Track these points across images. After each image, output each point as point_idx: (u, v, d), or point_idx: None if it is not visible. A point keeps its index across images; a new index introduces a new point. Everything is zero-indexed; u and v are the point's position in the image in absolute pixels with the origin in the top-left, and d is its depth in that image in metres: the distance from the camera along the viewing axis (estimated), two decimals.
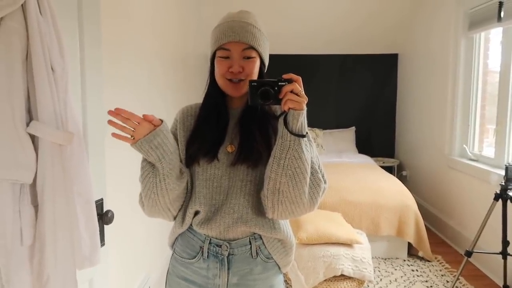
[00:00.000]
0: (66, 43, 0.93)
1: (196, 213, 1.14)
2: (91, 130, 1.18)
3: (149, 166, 1.07)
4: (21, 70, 0.84)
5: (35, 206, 0.89)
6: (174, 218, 1.18)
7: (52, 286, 0.90)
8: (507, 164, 2.50)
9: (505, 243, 2.57)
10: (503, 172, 2.56)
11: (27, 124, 0.85)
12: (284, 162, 1.00)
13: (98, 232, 1.04)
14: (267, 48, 1.17)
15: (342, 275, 2.67)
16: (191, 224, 1.16)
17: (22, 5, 0.82)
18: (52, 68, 0.88)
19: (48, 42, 0.86)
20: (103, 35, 1.28)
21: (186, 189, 1.14)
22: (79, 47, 1.12)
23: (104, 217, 1.20)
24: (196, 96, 1.22)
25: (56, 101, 0.89)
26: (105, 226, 1.21)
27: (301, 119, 1.00)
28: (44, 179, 0.87)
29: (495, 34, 3.39)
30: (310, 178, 1.04)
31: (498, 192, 2.52)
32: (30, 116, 0.88)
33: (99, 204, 1.20)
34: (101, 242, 1.12)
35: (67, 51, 0.92)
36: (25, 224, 0.86)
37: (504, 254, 2.59)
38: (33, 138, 0.87)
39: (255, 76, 1.11)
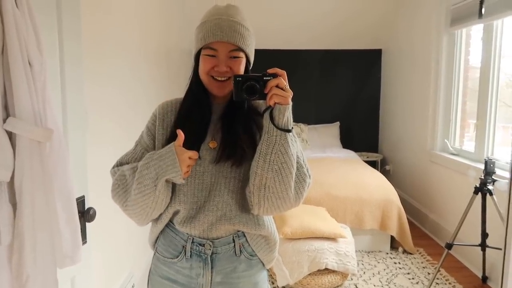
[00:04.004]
0: (45, 37, 0.91)
1: (176, 212, 1.12)
2: (72, 127, 1.16)
3: (152, 185, 1.03)
4: None
5: (13, 204, 0.87)
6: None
7: (32, 285, 0.88)
8: (487, 158, 2.55)
9: (484, 235, 2.64)
10: (482, 166, 2.61)
11: (4, 121, 0.83)
12: (270, 157, 1.00)
13: (80, 230, 1.03)
14: (254, 46, 1.15)
15: (326, 268, 2.70)
16: (172, 223, 1.15)
17: None
18: (29, 63, 0.85)
19: (25, 36, 0.84)
20: (83, 30, 1.25)
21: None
22: (58, 42, 1.10)
23: (86, 215, 1.18)
24: (179, 91, 1.20)
25: (34, 97, 0.86)
26: (87, 223, 1.19)
27: (287, 114, 1.00)
28: (22, 177, 0.85)
29: (476, 31, 3.45)
30: (295, 173, 1.04)
31: (478, 185, 2.58)
32: (7, 112, 0.85)
33: (81, 201, 1.18)
34: (82, 240, 1.11)
35: (45, 45, 0.90)
36: (3, 222, 0.84)
37: (483, 246, 2.65)
38: (11, 135, 0.85)
39: None
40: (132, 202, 1.07)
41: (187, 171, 1.03)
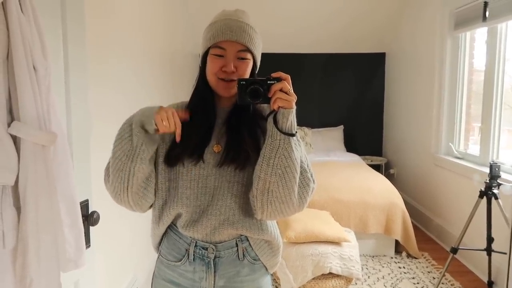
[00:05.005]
0: (49, 41, 0.91)
1: (179, 215, 1.12)
2: (76, 130, 1.17)
3: (128, 129, 1.05)
4: (1, 69, 0.82)
5: (18, 208, 0.87)
6: (144, 210, 1.13)
7: None
8: (492, 162, 2.53)
9: (490, 239, 2.61)
10: (487, 170, 2.60)
11: (9, 125, 0.84)
12: (274, 161, 1.00)
13: (83, 234, 1.03)
14: (261, 50, 1.16)
15: (330, 273, 2.68)
16: (176, 226, 1.14)
17: (2, 2, 0.80)
18: (34, 68, 0.86)
19: (29, 40, 0.84)
20: (87, 34, 1.26)
21: (147, 183, 1.08)
22: (62, 46, 1.10)
23: (90, 218, 1.18)
24: (184, 94, 1.20)
25: (39, 101, 0.87)
26: (90, 227, 1.19)
27: (291, 118, 0.99)
28: (26, 180, 0.86)
29: (480, 34, 3.44)
30: (299, 178, 1.04)
31: (483, 189, 2.56)
32: (12, 116, 0.86)
33: (85, 205, 1.18)
34: (86, 244, 1.11)
35: (49, 50, 0.90)
36: (7, 226, 0.85)
37: (488, 250, 2.63)
38: (15, 139, 0.85)
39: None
40: (112, 159, 1.05)
41: (161, 122, 0.99)
